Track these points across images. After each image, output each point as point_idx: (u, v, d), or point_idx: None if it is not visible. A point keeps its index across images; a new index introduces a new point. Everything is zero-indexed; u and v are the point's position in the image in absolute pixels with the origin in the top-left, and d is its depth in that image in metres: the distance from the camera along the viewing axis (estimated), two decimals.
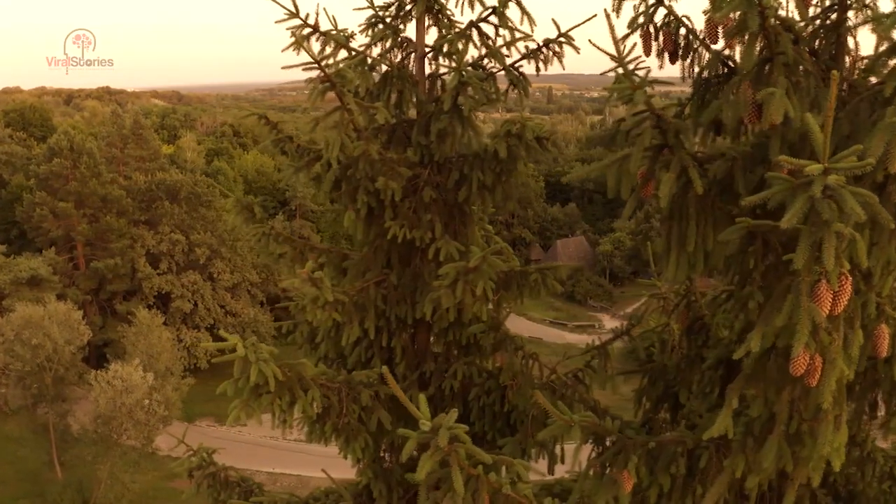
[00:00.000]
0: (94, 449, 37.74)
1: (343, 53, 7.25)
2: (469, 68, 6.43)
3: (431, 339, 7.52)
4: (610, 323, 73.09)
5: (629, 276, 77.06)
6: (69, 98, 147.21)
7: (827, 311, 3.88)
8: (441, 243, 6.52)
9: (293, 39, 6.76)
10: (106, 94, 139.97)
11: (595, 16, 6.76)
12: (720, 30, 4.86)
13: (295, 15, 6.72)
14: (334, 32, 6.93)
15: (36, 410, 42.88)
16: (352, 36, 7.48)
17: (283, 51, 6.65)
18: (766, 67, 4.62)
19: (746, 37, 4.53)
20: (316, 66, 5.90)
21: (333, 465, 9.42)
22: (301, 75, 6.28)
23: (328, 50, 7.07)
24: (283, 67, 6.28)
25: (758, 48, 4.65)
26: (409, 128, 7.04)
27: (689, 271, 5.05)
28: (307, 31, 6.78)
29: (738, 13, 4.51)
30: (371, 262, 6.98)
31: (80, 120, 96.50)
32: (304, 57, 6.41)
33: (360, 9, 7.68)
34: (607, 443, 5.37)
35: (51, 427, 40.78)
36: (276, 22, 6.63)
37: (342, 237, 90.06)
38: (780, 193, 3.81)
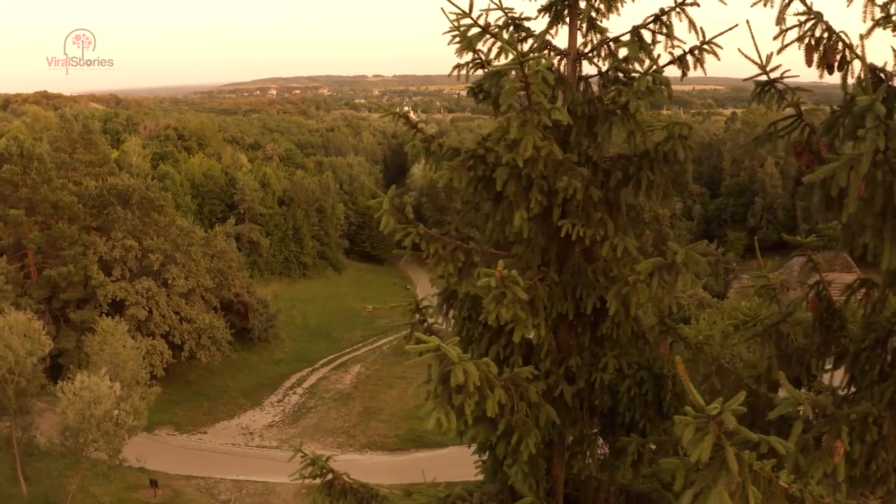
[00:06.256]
0: (61, 462, 36.64)
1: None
2: (650, 74, 6.64)
3: (573, 333, 7.69)
4: None
5: None
6: (6, 103, 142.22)
7: None
8: (617, 240, 6.70)
9: (461, 39, 6.90)
10: (44, 99, 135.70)
11: (737, 25, 7.15)
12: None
13: (466, 14, 6.82)
14: (504, 34, 7.04)
15: None
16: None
17: (455, 52, 6.80)
18: None
19: None
20: (517, 65, 6.02)
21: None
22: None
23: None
24: (457, 66, 6.42)
25: None
26: (557, 128, 7.18)
27: None
28: (476, 31, 6.89)
29: None
30: (530, 260, 7.13)
31: (21, 125, 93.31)
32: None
33: (487, 10, 7.81)
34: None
35: (14, 441, 39.39)
36: (447, 27, 6.74)
37: (290, 240, 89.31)
38: None
